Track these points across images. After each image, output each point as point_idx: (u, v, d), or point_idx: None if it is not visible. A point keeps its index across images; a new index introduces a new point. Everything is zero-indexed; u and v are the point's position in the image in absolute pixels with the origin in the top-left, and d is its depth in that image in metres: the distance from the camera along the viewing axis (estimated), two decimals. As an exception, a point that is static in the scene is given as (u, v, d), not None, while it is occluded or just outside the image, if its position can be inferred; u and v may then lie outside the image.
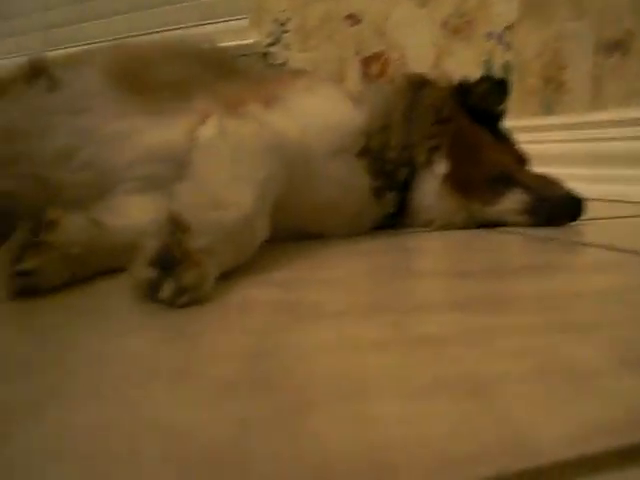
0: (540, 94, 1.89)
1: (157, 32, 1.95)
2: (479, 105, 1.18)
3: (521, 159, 1.19)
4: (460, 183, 1.09)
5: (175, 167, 0.88)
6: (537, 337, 0.48)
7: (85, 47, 1.57)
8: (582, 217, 1.07)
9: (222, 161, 0.76)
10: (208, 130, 0.88)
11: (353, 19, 2.03)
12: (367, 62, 2.02)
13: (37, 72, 1.17)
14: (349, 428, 0.33)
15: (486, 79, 1.22)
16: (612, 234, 1.04)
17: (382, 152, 1.06)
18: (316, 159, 0.93)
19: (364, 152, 1.03)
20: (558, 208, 1.08)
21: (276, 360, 0.44)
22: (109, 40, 1.82)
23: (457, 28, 1.98)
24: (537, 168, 1.18)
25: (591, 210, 1.09)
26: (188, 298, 0.58)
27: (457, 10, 1.98)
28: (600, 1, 1.77)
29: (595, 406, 0.35)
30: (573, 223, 1.09)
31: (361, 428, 0.33)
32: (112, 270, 0.75)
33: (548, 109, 1.88)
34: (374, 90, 1.17)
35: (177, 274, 0.58)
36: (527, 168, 1.18)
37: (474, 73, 1.28)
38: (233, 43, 1.74)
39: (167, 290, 0.58)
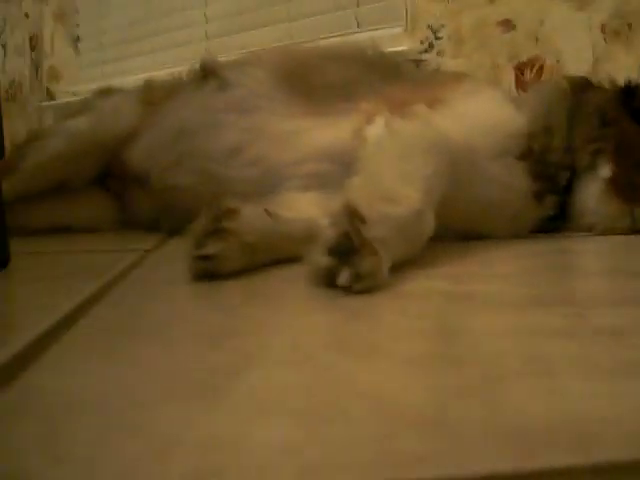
0: None
1: (314, 40, 2.00)
2: (645, 109, 1.14)
3: (690, 165, 1.14)
4: (624, 188, 1.06)
5: (341, 166, 0.92)
6: None
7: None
8: None
9: (391, 158, 0.78)
10: (376, 129, 0.91)
11: (507, 25, 2.01)
12: (521, 68, 1.99)
13: (207, 73, 1.25)
14: (544, 400, 0.34)
15: (653, 82, 1.18)
16: None
17: (543, 155, 1.05)
18: (478, 160, 0.93)
19: (525, 154, 1.02)
20: None
21: (460, 340, 0.45)
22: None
23: (617, 31, 1.92)
24: None
25: None
26: (364, 285, 0.60)
27: (617, 12, 1.91)
28: None
29: None
30: None
31: (557, 400, 0.34)
32: (285, 260, 0.78)
33: None
34: (536, 92, 1.16)
35: (355, 261, 0.60)
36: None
37: (635, 78, 1.24)
38: (387, 50, 1.76)
39: (345, 276, 0.60)
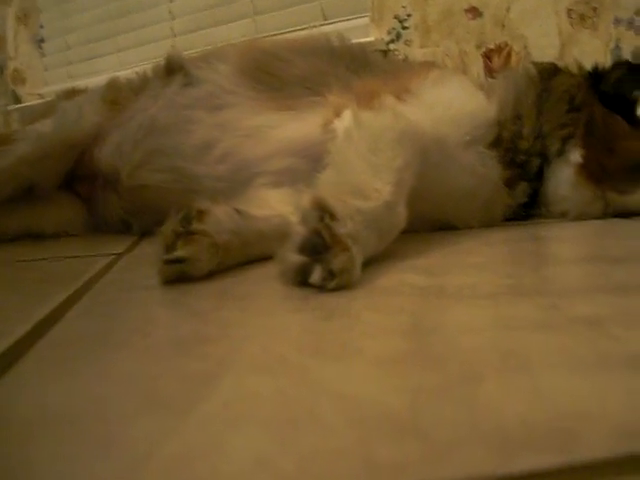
0: (674, 81, 1.81)
1: (281, 34, 1.99)
2: (614, 91, 1.14)
3: (659, 147, 1.15)
4: (595, 172, 1.06)
5: (311, 161, 0.91)
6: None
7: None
8: None
9: (360, 151, 0.77)
10: (344, 122, 0.90)
11: (474, 12, 2.01)
12: (489, 55, 1.99)
13: (173, 69, 1.23)
14: (523, 397, 0.33)
15: (621, 64, 1.18)
16: None
17: (514, 142, 1.05)
18: (449, 150, 0.92)
19: (496, 142, 1.02)
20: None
21: (436, 336, 0.45)
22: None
23: (582, 15, 1.92)
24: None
25: None
26: (338, 282, 0.60)
27: (582, -3, 1.92)
28: None
29: None
30: None
31: (535, 398, 0.33)
32: (256, 259, 0.78)
33: (683, 96, 1.80)
34: (505, 79, 1.16)
35: (327, 259, 0.60)
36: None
37: (602, 62, 1.24)
38: (354, 41, 1.75)
39: (317, 274, 0.60)
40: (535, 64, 1.19)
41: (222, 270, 0.73)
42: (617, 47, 1.89)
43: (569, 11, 1.93)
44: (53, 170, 1.25)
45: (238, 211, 0.79)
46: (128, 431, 0.32)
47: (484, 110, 1.03)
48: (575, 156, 1.06)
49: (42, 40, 2.89)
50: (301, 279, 0.62)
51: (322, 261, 0.60)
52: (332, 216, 0.62)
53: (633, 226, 0.98)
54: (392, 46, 2.01)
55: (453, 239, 0.90)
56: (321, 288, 0.60)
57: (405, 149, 0.79)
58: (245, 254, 0.77)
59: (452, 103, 0.98)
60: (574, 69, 1.18)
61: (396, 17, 2.01)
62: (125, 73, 1.60)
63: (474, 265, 0.71)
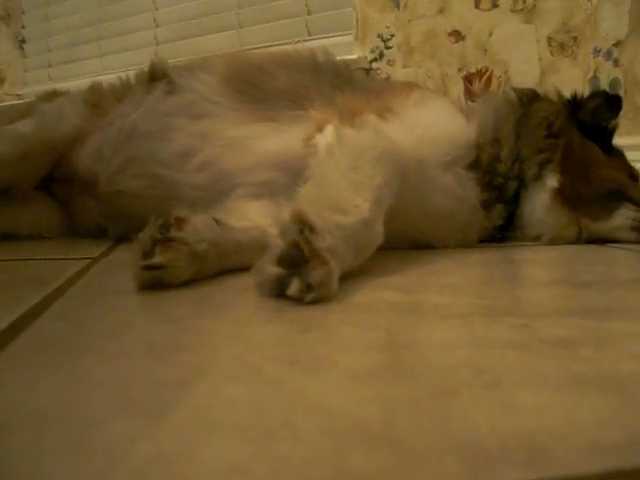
0: (649, 112, 1.85)
1: (265, 47, 2.00)
2: (591, 120, 1.16)
3: (633, 176, 1.17)
4: (570, 198, 1.08)
5: (291, 174, 0.91)
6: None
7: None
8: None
9: (341, 167, 0.78)
10: (326, 138, 0.90)
11: (456, 36, 2.03)
12: (470, 78, 2.02)
13: (156, 76, 1.23)
14: (496, 413, 0.34)
15: (598, 94, 1.20)
16: None
17: (492, 165, 1.06)
18: (428, 170, 0.93)
19: (474, 165, 1.04)
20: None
21: (411, 352, 0.45)
22: (218, 55, 1.88)
23: (562, 44, 1.96)
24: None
25: None
26: (315, 295, 0.60)
27: (563, 26, 1.95)
28: None
29: None
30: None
31: (508, 414, 0.34)
32: (233, 269, 0.78)
33: (658, 128, 1.83)
34: (485, 103, 1.17)
35: (305, 272, 0.60)
36: (639, 185, 1.16)
37: (580, 90, 1.26)
38: (338, 58, 1.76)
39: (295, 287, 0.60)
40: (515, 89, 1.21)
41: (199, 278, 0.73)
42: (595, 77, 1.92)
43: (549, 39, 1.96)
44: (31, 171, 1.24)
45: (217, 221, 0.79)
46: (101, 435, 0.32)
47: (464, 132, 1.04)
48: (551, 181, 1.08)
49: (23, 41, 2.87)
50: (278, 291, 0.62)
51: (300, 274, 0.60)
52: (311, 230, 0.63)
53: (604, 252, 1.00)
54: (375, 65, 2.03)
55: (429, 258, 0.91)
56: (298, 300, 0.60)
57: (385, 168, 0.80)
58: (222, 264, 0.77)
59: (432, 124, 0.99)
60: (553, 96, 1.21)
61: (380, 36, 2.03)
62: (106, 78, 1.60)
63: (449, 285, 0.72)
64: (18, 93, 2.70)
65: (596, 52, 1.93)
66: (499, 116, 1.12)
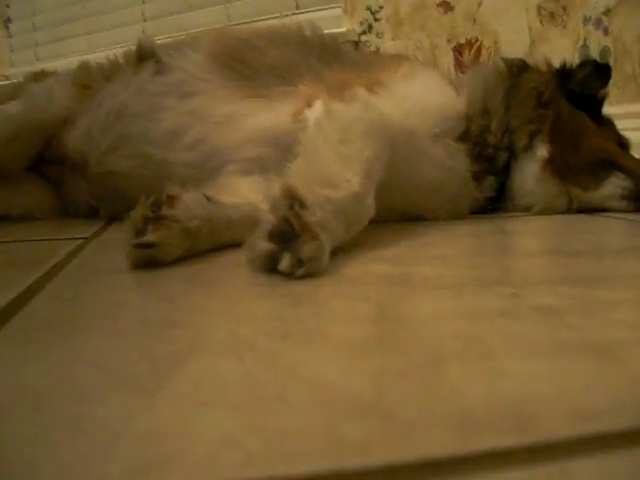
0: None
1: (253, 22, 1.99)
2: (580, 89, 1.16)
3: (622, 145, 1.17)
4: (561, 168, 1.08)
5: (281, 150, 0.91)
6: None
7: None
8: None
9: (331, 141, 0.78)
10: (315, 112, 0.90)
11: (445, 6, 2.02)
12: (459, 49, 2.01)
13: (144, 56, 1.23)
14: (484, 381, 0.35)
15: (588, 63, 1.20)
16: None
17: (482, 136, 1.07)
18: (418, 142, 0.94)
19: (464, 136, 1.04)
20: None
21: (401, 323, 0.46)
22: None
23: (552, 13, 1.95)
24: (637, 156, 1.16)
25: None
26: (306, 270, 0.60)
27: (552, -5, 1.95)
28: None
29: None
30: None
31: (496, 382, 0.34)
32: (225, 246, 0.78)
33: (647, 96, 1.83)
34: (474, 74, 1.17)
35: (296, 246, 0.60)
36: (629, 154, 1.17)
37: (570, 59, 1.26)
38: (326, 31, 1.76)
39: (286, 262, 0.60)
40: (504, 60, 1.21)
41: (191, 256, 0.74)
42: (585, 45, 1.92)
43: (539, 8, 1.96)
44: (21, 153, 1.24)
45: (208, 198, 0.79)
46: (98, 411, 0.33)
47: (453, 103, 1.04)
48: (541, 151, 1.08)
49: (9, 20, 2.84)
50: (269, 266, 0.62)
51: (291, 249, 0.61)
52: (302, 204, 0.63)
53: (594, 222, 1.00)
54: (364, 38, 2.02)
55: (420, 230, 0.91)
56: (289, 275, 0.60)
57: (374, 141, 0.80)
58: (214, 240, 0.77)
59: (422, 96, 0.99)
60: (543, 66, 1.20)
61: (368, 8, 2.02)
62: (94, 56, 1.59)
63: (440, 257, 0.72)
64: (5, 74, 2.68)
65: (586, 21, 1.92)
66: (488, 87, 1.12)
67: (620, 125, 1.22)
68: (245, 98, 1.06)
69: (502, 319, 0.46)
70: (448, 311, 0.49)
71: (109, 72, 1.29)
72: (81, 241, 0.93)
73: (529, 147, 1.09)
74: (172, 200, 0.73)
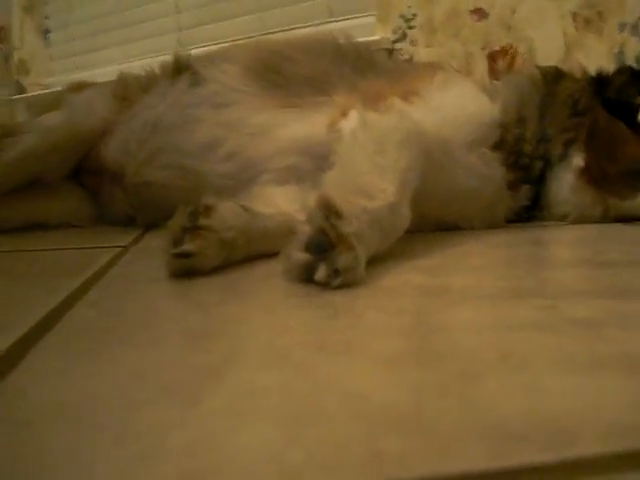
0: (677, 87, 1.82)
1: (286, 30, 2.01)
2: (617, 97, 1.15)
3: (660, 154, 1.16)
4: (596, 177, 1.07)
5: (316, 160, 0.92)
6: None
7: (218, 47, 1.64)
8: None
9: (366, 151, 0.78)
10: (350, 123, 0.91)
11: (479, 13, 2.01)
12: (494, 57, 2.00)
13: (181, 68, 1.24)
14: (521, 396, 0.35)
15: (624, 70, 1.19)
16: None
17: (517, 145, 1.06)
18: (453, 151, 0.94)
19: (499, 145, 1.03)
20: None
21: (438, 336, 0.46)
22: (240, 39, 1.88)
23: (588, 19, 1.93)
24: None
25: None
26: (342, 280, 0.61)
27: (587, 1, 1.93)
28: None
29: None
30: None
31: (533, 396, 0.34)
32: (262, 256, 0.79)
33: (685, 103, 1.81)
34: (508, 83, 1.17)
35: (332, 257, 0.61)
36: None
37: (606, 66, 1.25)
38: (359, 39, 1.76)
39: (322, 272, 0.61)
40: (539, 68, 1.20)
41: (227, 265, 0.74)
42: (621, 52, 1.90)
43: (574, 15, 1.94)
44: (60, 163, 1.27)
45: (244, 208, 0.80)
46: (137, 421, 0.33)
47: (488, 112, 1.04)
48: (577, 160, 1.08)
49: (48, 31, 2.89)
50: (306, 277, 0.63)
51: (327, 259, 0.61)
52: (338, 215, 0.63)
53: (632, 231, 0.99)
54: (397, 45, 2.02)
55: (455, 240, 0.91)
56: (325, 286, 0.61)
57: (410, 150, 0.80)
58: (250, 250, 0.78)
59: (457, 105, 0.99)
60: (578, 73, 1.20)
61: (402, 16, 2.02)
62: (130, 66, 1.61)
63: (476, 267, 0.72)
64: (44, 83, 2.72)
65: (622, 27, 1.90)
66: (523, 95, 1.11)
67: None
68: (279, 108, 1.07)
69: (538, 331, 0.46)
70: (484, 323, 0.49)
71: (146, 84, 1.31)
72: (119, 249, 0.94)
73: (565, 156, 1.08)
74: (209, 210, 0.74)
